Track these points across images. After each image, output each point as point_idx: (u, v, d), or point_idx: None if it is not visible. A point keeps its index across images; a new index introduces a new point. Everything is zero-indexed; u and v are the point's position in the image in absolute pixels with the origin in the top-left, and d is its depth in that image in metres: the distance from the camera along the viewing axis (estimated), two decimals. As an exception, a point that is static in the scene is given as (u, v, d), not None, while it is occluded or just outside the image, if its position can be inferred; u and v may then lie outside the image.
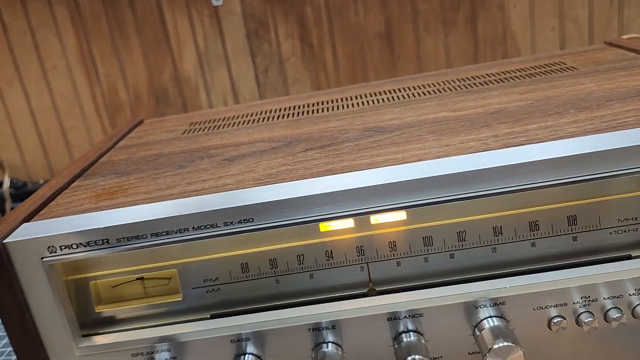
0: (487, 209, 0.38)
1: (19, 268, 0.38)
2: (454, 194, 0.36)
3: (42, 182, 1.06)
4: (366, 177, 0.37)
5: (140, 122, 0.66)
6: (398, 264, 0.39)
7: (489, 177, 0.36)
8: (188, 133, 0.57)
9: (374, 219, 0.39)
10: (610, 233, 0.39)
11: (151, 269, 0.40)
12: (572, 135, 0.38)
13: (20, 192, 1.01)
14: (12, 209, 0.97)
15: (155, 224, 0.37)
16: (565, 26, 0.94)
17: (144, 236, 0.37)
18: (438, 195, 0.37)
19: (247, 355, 0.40)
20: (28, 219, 0.40)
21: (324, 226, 0.39)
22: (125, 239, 0.37)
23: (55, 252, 0.37)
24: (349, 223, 0.39)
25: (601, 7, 0.93)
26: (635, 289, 0.38)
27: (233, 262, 0.40)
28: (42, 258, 0.38)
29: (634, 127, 0.37)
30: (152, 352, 0.40)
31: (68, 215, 0.40)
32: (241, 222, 0.37)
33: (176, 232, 0.37)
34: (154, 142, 0.56)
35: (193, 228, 0.37)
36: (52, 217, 0.40)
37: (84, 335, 0.40)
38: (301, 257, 0.40)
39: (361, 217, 0.38)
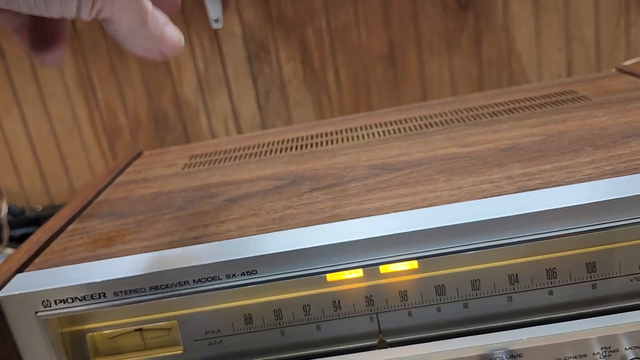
0: (502, 257, 0.37)
1: (12, 322, 0.36)
2: (468, 243, 0.35)
3: (40, 208, 1.04)
4: (375, 225, 0.36)
5: (140, 154, 0.64)
6: (409, 314, 0.38)
7: (505, 226, 0.34)
8: (188, 167, 0.56)
9: (384, 268, 0.37)
10: (631, 280, 0.37)
11: (150, 321, 0.38)
12: (590, 178, 0.37)
13: (18, 219, 0.99)
14: (10, 236, 0.96)
15: (155, 277, 0.35)
16: (572, 47, 0.93)
17: (143, 290, 0.35)
18: (451, 245, 0.35)
19: (252, 412, 0.38)
20: (22, 268, 0.39)
21: (331, 276, 0.37)
22: (123, 292, 0.35)
23: (50, 306, 0.36)
24: (358, 272, 0.37)
25: (607, 28, 0.92)
26: (659, 339, 0.36)
27: (236, 313, 0.38)
28: (37, 312, 0.36)
29: (654, 170, 0.36)
30: (152, 409, 0.38)
31: (63, 264, 0.38)
32: (244, 275, 0.35)
33: (176, 285, 0.35)
34: (153, 178, 0.54)
35: (194, 281, 0.35)
36: (47, 267, 0.38)
37: (80, 392, 0.39)
38: (307, 308, 0.38)
39: (370, 267, 0.37)
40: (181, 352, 0.39)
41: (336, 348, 0.38)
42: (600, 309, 0.37)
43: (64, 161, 1.03)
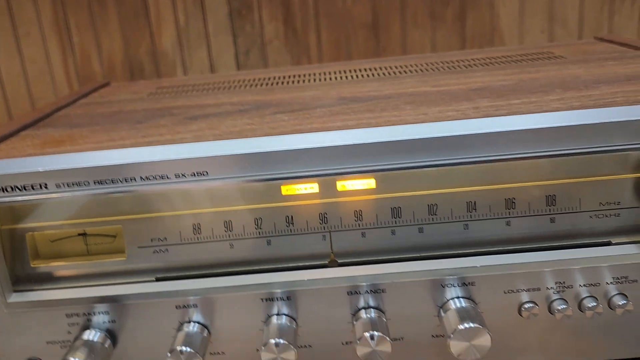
0: (461, 182, 0.36)
1: (-54, 210, 0.34)
2: (426, 159, 0.34)
3: None
4: (333, 137, 0.34)
5: (107, 84, 0.62)
6: (363, 235, 0.37)
7: (466, 144, 0.33)
8: (154, 95, 0.54)
9: (341, 185, 0.36)
10: (591, 217, 0.36)
11: (94, 224, 0.37)
12: (557, 109, 0.36)
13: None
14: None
15: (100, 171, 0.34)
16: (555, 29, 0.93)
17: (87, 183, 0.34)
18: (410, 161, 0.34)
19: (192, 323, 0.36)
20: (-37, 159, 0.37)
21: (285, 189, 0.36)
22: (66, 184, 0.34)
23: (-12, 194, 0.34)
24: (314, 188, 0.36)
25: (591, 12, 0.92)
26: (613, 278, 0.36)
27: (184, 222, 0.36)
28: (-27, 200, 0.34)
29: (621, 106, 0.35)
30: (89, 314, 0.37)
31: (7, 158, 0.36)
32: (194, 175, 0.34)
33: (122, 181, 0.34)
34: (116, 101, 0.53)
35: (141, 178, 0.34)
36: (-9, 160, 0.36)
37: (15, 291, 0.37)
38: (259, 221, 0.36)
39: (327, 182, 0.36)
40: (124, 258, 0.37)
41: (286, 265, 0.37)
42: (557, 244, 0.37)
43: (33, 103, 1.00)
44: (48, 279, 0.37)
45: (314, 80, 0.54)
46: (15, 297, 0.36)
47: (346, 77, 0.54)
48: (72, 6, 0.95)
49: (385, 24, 0.94)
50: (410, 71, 0.54)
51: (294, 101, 0.45)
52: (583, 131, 0.33)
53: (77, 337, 0.36)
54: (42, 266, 0.37)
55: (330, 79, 0.54)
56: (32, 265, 0.37)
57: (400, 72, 0.54)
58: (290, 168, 0.34)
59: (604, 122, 0.33)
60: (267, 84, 0.54)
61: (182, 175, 0.34)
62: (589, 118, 0.34)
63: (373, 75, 0.54)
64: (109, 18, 0.95)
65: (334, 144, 0.34)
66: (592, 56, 0.52)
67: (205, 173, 0.34)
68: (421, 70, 0.54)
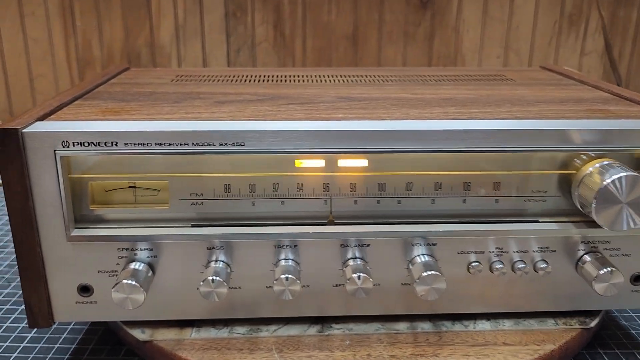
0: (431, 167, 0.47)
1: (31, 157, 0.43)
2: (407, 147, 0.45)
3: (0, 123, 1.07)
4: (338, 124, 0.45)
5: (127, 69, 0.71)
6: (355, 202, 0.48)
7: (437, 137, 0.45)
8: (176, 81, 0.63)
9: (341, 162, 0.47)
10: (525, 201, 0.49)
11: (146, 178, 0.46)
12: (505, 118, 0.48)
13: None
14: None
15: (161, 135, 0.43)
16: (509, 56, 1.07)
17: (149, 144, 0.44)
18: (395, 147, 0.45)
19: (218, 262, 0.47)
20: (42, 119, 0.46)
21: (298, 162, 0.47)
22: (132, 144, 0.43)
23: (68, 147, 0.43)
24: (321, 162, 0.47)
25: (541, 44, 1.06)
26: (538, 247, 0.48)
27: (218, 182, 0.47)
28: (55, 150, 0.43)
29: (552, 119, 0.48)
30: (136, 249, 0.46)
31: (77, 120, 0.46)
32: (234, 145, 0.44)
33: (178, 145, 0.44)
34: (145, 83, 0.62)
35: (193, 143, 0.44)
36: (64, 120, 0.46)
37: (77, 227, 0.46)
38: (276, 186, 0.47)
39: (330, 159, 0.46)
40: (167, 207, 0.47)
41: (295, 221, 0.47)
42: (499, 219, 0.49)
43: (32, 82, 1.07)
44: (103, 220, 0.47)
45: (311, 80, 0.65)
46: (76, 232, 0.46)
47: (338, 80, 0.65)
48: (76, -7, 1.03)
49: (363, 38, 1.06)
50: (391, 80, 0.65)
51: (300, 96, 0.56)
52: (523, 135, 0.45)
53: (124, 267, 0.46)
54: (99, 210, 0.47)
55: (325, 80, 0.65)
56: (90, 208, 0.47)
57: (383, 81, 0.65)
58: (306, 145, 0.45)
59: (539, 129, 0.45)
60: (271, 80, 0.65)
61: (225, 144, 0.44)
62: (528, 126, 0.46)
63: (360, 81, 0.65)
64: (112, 6, 1.03)
65: (339, 128, 0.45)
66: (537, 81, 0.65)
67: (242, 143, 0.44)
68: (399, 80, 0.65)
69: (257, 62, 1.08)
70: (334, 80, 0.65)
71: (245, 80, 0.64)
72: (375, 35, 1.06)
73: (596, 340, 0.54)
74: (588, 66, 1.09)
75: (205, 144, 0.44)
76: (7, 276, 0.66)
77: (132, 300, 0.44)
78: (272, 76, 0.68)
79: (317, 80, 0.65)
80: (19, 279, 0.65)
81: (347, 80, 0.65)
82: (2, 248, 0.73)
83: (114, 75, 0.66)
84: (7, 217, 0.81)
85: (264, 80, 0.65)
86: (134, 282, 0.44)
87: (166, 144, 0.44)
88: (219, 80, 0.64)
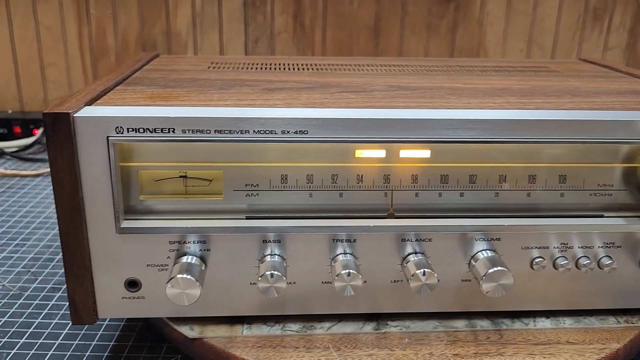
0: (496, 159, 0.45)
1: (82, 143, 0.41)
2: (474, 137, 0.43)
3: (10, 112, 1.04)
4: (399, 113, 0.43)
5: (156, 56, 0.69)
6: (417, 195, 0.46)
7: (506, 126, 0.43)
8: (213, 68, 0.61)
9: (403, 153, 0.45)
10: (590, 195, 0.47)
11: (199, 167, 0.44)
12: (573, 109, 0.46)
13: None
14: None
15: (220, 121, 0.41)
16: (532, 50, 1.05)
17: (208, 131, 0.41)
18: (461, 136, 0.43)
19: (274, 256, 0.44)
20: (90, 103, 0.43)
21: (358, 152, 0.45)
22: (190, 131, 0.41)
23: (122, 132, 0.41)
24: (381, 153, 0.45)
25: (565, 38, 1.05)
26: (603, 243, 0.47)
27: (275, 173, 0.44)
28: (108, 137, 0.41)
29: (620, 110, 0.46)
30: (188, 242, 0.44)
31: (129, 106, 0.43)
32: (297, 133, 0.42)
33: (238, 133, 0.41)
34: (181, 70, 0.59)
35: (254, 131, 0.41)
36: (114, 105, 0.43)
37: (126, 219, 0.44)
38: (335, 177, 0.45)
39: (392, 149, 0.44)
40: (221, 199, 0.45)
41: (353, 214, 0.45)
42: (564, 213, 0.47)
43: (43, 70, 1.04)
44: (153, 212, 0.44)
45: (353, 69, 0.63)
46: (126, 223, 0.43)
47: (380, 70, 0.63)
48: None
49: (386, 29, 1.04)
50: (435, 70, 0.63)
51: (350, 84, 0.54)
52: (594, 126, 0.43)
53: (176, 261, 0.44)
54: (149, 200, 0.44)
55: (367, 70, 0.63)
56: (139, 199, 0.44)
57: (426, 71, 0.63)
58: (369, 134, 0.42)
59: (611, 120, 0.43)
60: (312, 69, 0.62)
61: (287, 132, 0.42)
62: (599, 116, 0.44)
63: (403, 70, 0.63)
64: (128, -6, 1.00)
65: (402, 117, 0.43)
66: (583, 73, 0.63)
67: (306, 132, 0.42)
68: (444, 71, 0.63)
69: (275, 52, 1.05)
70: (376, 70, 0.63)
71: (285, 68, 0.62)
72: (397, 27, 1.04)
73: (652, 339, 0.53)
74: (611, 61, 1.08)
75: (268, 132, 0.42)
76: (33, 269, 0.63)
77: (188, 295, 0.42)
78: (311, 64, 0.65)
79: (358, 69, 0.63)
80: (45, 272, 0.63)
81: (390, 70, 0.63)
82: (24, 240, 0.70)
83: (147, 62, 0.64)
84: (27, 207, 0.79)
85: (304, 68, 0.62)
86: (189, 277, 0.42)
87: (226, 132, 0.41)
88: (257, 68, 0.62)
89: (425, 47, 1.05)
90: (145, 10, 1.03)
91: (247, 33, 1.04)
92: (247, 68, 0.62)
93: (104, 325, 0.53)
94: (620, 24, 1.05)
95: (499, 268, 0.43)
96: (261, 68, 0.62)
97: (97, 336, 0.52)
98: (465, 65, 0.67)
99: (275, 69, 0.62)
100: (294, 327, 0.47)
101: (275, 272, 0.42)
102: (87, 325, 0.53)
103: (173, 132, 0.41)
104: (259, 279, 0.42)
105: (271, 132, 0.42)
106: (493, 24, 1.04)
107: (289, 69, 0.62)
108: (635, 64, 1.07)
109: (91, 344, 0.51)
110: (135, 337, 0.52)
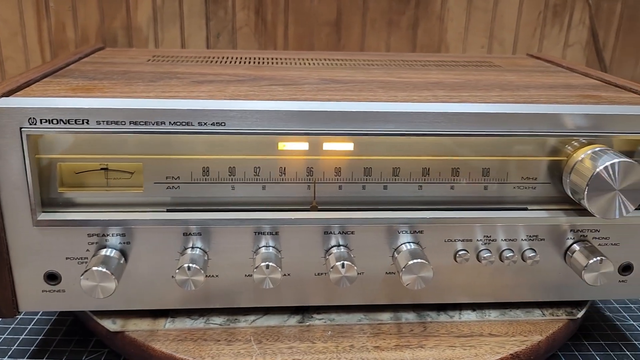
0: (419, 152, 0.45)
1: (-6, 135, 0.40)
2: (396, 129, 0.43)
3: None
4: (324, 105, 0.43)
5: (102, 48, 0.68)
6: (340, 187, 0.46)
7: (427, 119, 0.43)
8: (152, 61, 0.61)
9: (326, 146, 0.45)
10: (514, 187, 0.47)
11: (119, 160, 0.44)
12: (496, 102, 0.46)
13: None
14: None
15: (136, 113, 0.41)
16: (493, 46, 1.06)
17: (123, 122, 0.41)
18: (382, 129, 0.43)
19: (195, 249, 0.44)
20: (7, 95, 0.43)
21: (281, 145, 0.44)
22: (105, 122, 0.41)
23: (36, 124, 0.40)
24: (304, 145, 0.44)
25: (525, 34, 1.05)
26: (527, 236, 0.47)
27: (196, 165, 0.44)
28: (21, 128, 0.40)
29: (544, 104, 0.46)
30: (107, 235, 0.44)
31: (47, 97, 0.43)
32: (214, 125, 0.42)
33: (154, 124, 0.41)
34: (119, 62, 0.59)
35: (170, 123, 0.41)
36: (32, 97, 0.43)
37: (44, 211, 0.43)
38: (258, 169, 0.45)
39: (315, 142, 0.44)
40: (142, 191, 0.44)
41: (276, 207, 0.45)
42: (488, 206, 0.47)
43: (2, 64, 1.03)
44: (73, 204, 0.44)
45: (294, 63, 0.63)
46: (43, 216, 0.43)
47: (321, 63, 0.63)
48: (49, -28, 0.99)
49: (346, 24, 1.03)
50: (376, 65, 0.63)
51: (283, 78, 0.54)
52: (516, 119, 0.44)
53: (95, 254, 0.43)
54: (68, 192, 0.44)
55: (308, 63, 0.63)
56: (59, 191, 0.44)
57: (367, 65, 0.63)
58: (290, 126, 0.42)
59: (532, 113, 0.44)
60: (252, 62, 0.62)
61: (204, 123, 0.41)
62: (521, 109, 0.44)
63: (344, 64, 0.63)
64: (87, -12, 1.00)
65: (324, 109, 0.43)
66: (524, 68, 0.64)
67: (223, 123, 0.42)
68: (385, 65, 0.64)
69: (237, 47, 1.05)
70: (317, 63, 0.63)
71: (224, 62, 0.62)
72: (358, 23, 1.04)
73: (580, 331, 0.53)
74: (571, 57, 1.08)
75: (184, 123, 0.41)
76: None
77: (103, 288, 0.42)
78: (252, 58, 0.65)
79: (299, 63, 0.63)
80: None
81: (331, 64, 0.63)
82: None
83: (87, 54, 0.63)
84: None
85: (243, 62, 0.62)
86: (104, 270, 0.41)
87: (141, 123, 0.41)
88: (196, 62, 0.62)
89: (387, 43, 1.05)
90: (105, 3, 1.02)
91: (209, 28, 1.04)
92: (188, 61, 0.61)
93: (35, 320, 0.53)
94: (580, 21, 1.05)
95: (418, 260, 0.43)
96: (203, 62, 0.62)
97: (26, 330, 0.51)
98: (410, 60, 0.67)
99: (216, 62, 0.62)
100: (218, 320, 0.47)
101: (193, 265, 0.42)
102: (17, 319, 0.53)
103: (87, 123, 0.41)
104: (177, 271, 0.42)
105: (188, 123, 0.41)
106: (453, 20, 1.05)
107: (231, 62, 0.62)
108: (594, 61, 1.08)
109: (19, 338, 0.50)
110: (65, 332, 0.51)
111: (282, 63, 0.62)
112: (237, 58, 0.65)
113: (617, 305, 0.59)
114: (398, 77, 0.56)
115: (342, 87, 0.50)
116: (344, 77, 0.55)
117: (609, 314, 0.57)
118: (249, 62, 0.62)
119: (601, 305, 0.59)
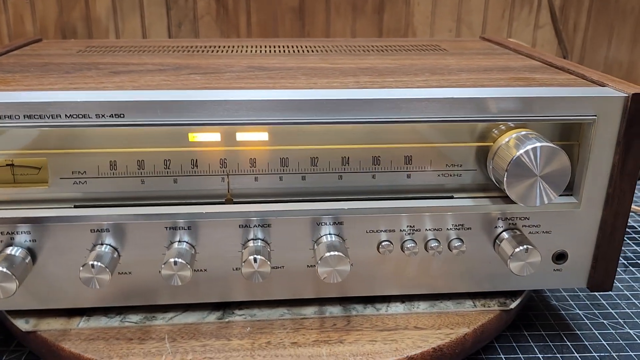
0: (338, 140, 0.44)
1: None
2: (311, 118, 0.41)
3: None
4: (236, 94, 0.42)
5: (39, 40, 0.67)
6: (256, 179, 0.44)
7: (341, 108, 0.41)
8: (83, 52, 0.59)
9: (240, 136, 0.43)
10: (439, 175, 0.45)
11: (21, 155, 0.42)
12: (418, 87, 0.44)
13: None
14: None
15: (27, 106, 0.39)
16: (461, 29, 1.03)
17: (17, 117, 0.39)
18: (297, 118, 0.41)
19: (104, 246, 0.43)
20: None
21: (192, 136, 0.43)
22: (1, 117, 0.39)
23: None
24: (216, 137, 0.43)
25: (494, 17, 1.03)
26: (453, 225, 0.45)
27: (102, 159, 0.43)
28: None
29: (467, 87, 0.44)
30: (12, 233, 0.42)
31: (-56, 92, 0.41)
32: (112, 117, 0.40)
33: (48, 117, 0.40)
34: (47, 54, 0.57)
35: (65, 115, 0.40)
36: None
37: (-56, 210, 0.42)
38: (168, 162, 0.43)
39: (228, 132, 0.43)
40: (47, 187, 0.43)
41: (189, 200, 0.44)
42: (412, 195, 0.45)
43: (-40, 59, 1.01)
44: (-24, 201, 0.43)
45: (231, 51, 0.61)
46: (-56, 215, 0.42)
47: (259, 51, 0.61)
48: (6, -36, 0.97)
49: (310, 10, 1.01)
50: (316, 50, 0.62)
51: (209, 66, 0.52)
52: (435, 104, 0.42)
53: (0, 252, 0.42)
54: (-29, 190, 0.42)
55: (246, 51, 0.61)
56: (-39, 189, 0.42)
57: (306, 51, 0.61)
58: (196, 117, 0.41)
59: (453, 98, 0.42)
60: (188, 51, 0.60)
61: (102, 116, 0.40)
62: (442, 94, 0.42)
63: (283, 51, 0.61)
64: (44, -21, 0.98)
65: (235, 98, 0.41)
66: (469, 51, 0.62)
67: (122, 115, 0.40)
68: (325, 51, 0.62)
69: (199, 36, 1.03)
70: (256, 51, 0.61)
71: (163, 51, 0.60)
72: (322, 8, 1.02)
73: (522, 320, 0.52)
74: (542, 39, 1.06)
75: (80, 116, 0.40)
76: None
77: (3, 288, 0.40)
78: (193, 47, 0.63)
79: (238, 51, 0.61)
80: None
81: (270, 51, 0.61)
82: None
83: (19, 46, 0.62)
84: None
85: (180, 51, 0.60)
86: (4, 269, 0.40)
87: (36, 117, 0.39)
88: (133, 51, 0.60)
89: (352, 29, 1.03)
90: (62, -5, 1.00)
91: (170, 17, 1.02)
92: (124, 52, 0.60)
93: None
94: (550, 2, 1.03)
95: (334, 253, 0.42)
96: (140, 51, 0.60)
97: (-50, 331, 0.50)
98: (355, 46, 0.65)
99: (153, 51, 0.60)
100: (134, 318, 0.45)
101: (97, 263, 0.41)
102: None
103: (-20, 118, 0.39)
104: (81, 268, 0.41)
105: (84, 116, 0.40)
106: (420, 3, 1.02)
107: (168, 51, 0.60)
108: (568, 42, 1.05)
109: (-59, 340, 0.49)
110: (-10, 332, 0.50)
111: (219, 51, 0.61)
112: (176, 47, 0.63)
113: (565, 294, 0.57)
114: (332, 63, 0.54)
115: (265, 74, 0.49)
116: (274, 64, 0.53)
117: (554, 302, 0.56)
118: (186, 51, 0.60)
119: (549, 293, 0.57)
